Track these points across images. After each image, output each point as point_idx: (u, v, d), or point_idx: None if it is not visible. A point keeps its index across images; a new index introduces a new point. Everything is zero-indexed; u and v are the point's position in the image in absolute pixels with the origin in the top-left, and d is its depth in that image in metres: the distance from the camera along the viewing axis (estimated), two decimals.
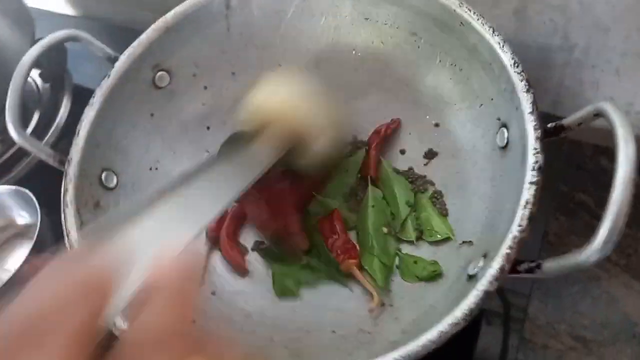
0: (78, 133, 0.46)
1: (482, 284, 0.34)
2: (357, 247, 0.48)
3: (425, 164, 0.52)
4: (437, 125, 0.51)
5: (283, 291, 0.48)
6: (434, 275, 0.45)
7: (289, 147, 0.43)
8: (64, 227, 0.43)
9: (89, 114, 0.47)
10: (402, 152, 0.54)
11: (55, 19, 0.67)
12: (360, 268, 0.47)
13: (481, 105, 0.46)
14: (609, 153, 0.65)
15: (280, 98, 0.44)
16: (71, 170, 0.45)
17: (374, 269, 0.47)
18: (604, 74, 0.63)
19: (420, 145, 0.52)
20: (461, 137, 0.49)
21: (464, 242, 0.44)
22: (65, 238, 0.42)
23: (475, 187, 0.46)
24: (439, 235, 0.47)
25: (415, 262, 0.46)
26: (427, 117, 0.52)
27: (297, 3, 0.53)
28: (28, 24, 0.67)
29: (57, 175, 0.69)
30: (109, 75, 0.48)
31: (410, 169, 0.53)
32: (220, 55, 0.55)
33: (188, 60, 0.54)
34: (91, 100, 0.47)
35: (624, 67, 0.59)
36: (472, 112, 0.48)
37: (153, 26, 0.50)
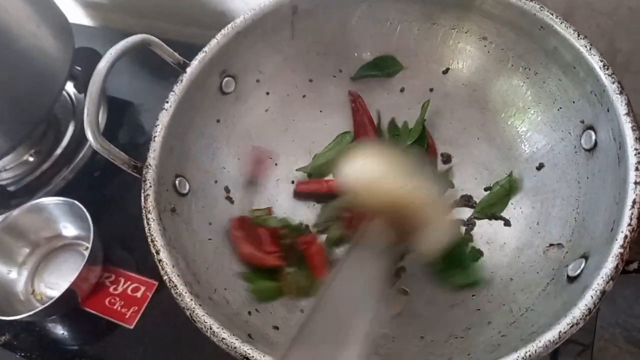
0: (154, 138, 0.45)
1: (599, 284, 0.34)
2: None
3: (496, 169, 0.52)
4: (507, 128, 0.51)
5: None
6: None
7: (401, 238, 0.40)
8: (147, 233, 0.42)
9: (164, 119, 0.46)
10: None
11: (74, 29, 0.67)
12: None
13: (560, 108, 0.46)
14: None
15: (380, 186, 0.40)
16: (150, 176, 0.44)
17: None
18: None
19: (489, 150, 0.52)
20: (536, 141, 0.49)
21: (551, 244, 0.44)
22: (151, 245, 0.41)
23: (557, 190, 0.45)
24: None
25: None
26: (498, 121, 0.52)
27: (363, 8, 0.53)
28: (69, 34, 0.66)
29: (95, 186, 0.68)
30: (182, 80, 0.48)
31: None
32: (282, 61, 0.55)
33: (253, 66, 0.53)
34: (165, 105, 0.46)
35: None
36: (548, 115, 0.48)
37: (222, 31, 0.50)
